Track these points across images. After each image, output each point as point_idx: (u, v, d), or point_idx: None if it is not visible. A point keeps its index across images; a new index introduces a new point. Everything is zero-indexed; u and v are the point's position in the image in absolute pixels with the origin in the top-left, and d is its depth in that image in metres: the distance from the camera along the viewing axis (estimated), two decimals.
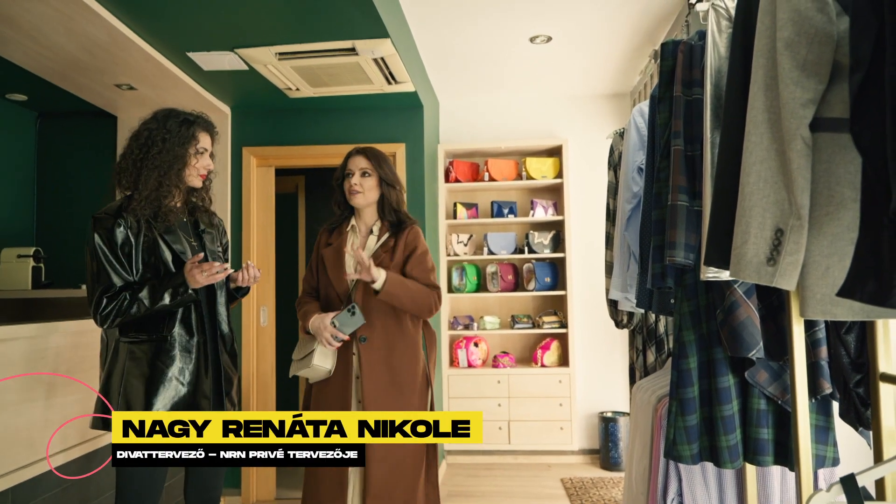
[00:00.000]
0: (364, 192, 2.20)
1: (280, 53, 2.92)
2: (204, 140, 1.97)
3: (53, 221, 4.11)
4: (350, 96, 3.57)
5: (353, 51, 2.90)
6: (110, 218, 1.82)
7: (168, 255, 1.87)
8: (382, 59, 3.01)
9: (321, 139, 3.82)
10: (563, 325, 4.41)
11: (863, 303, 1.01)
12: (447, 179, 4.54)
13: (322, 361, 2.09)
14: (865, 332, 1.36)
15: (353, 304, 2.06)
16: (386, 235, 2.22)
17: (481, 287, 4.60)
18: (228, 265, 1.91)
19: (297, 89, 3.42)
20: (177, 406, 1.83)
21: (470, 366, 4.39)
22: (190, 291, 1.82)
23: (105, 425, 1.79)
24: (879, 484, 1.27)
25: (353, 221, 2.27)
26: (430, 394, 2.19)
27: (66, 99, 3.43)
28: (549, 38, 3.57)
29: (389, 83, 3.35)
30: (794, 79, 1.14)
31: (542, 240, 4.46)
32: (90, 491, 2.26)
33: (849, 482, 1.13)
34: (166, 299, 1.80)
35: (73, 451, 2.16)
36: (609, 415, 4.25)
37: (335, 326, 2.04)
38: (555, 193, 4.67)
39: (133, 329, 1.84)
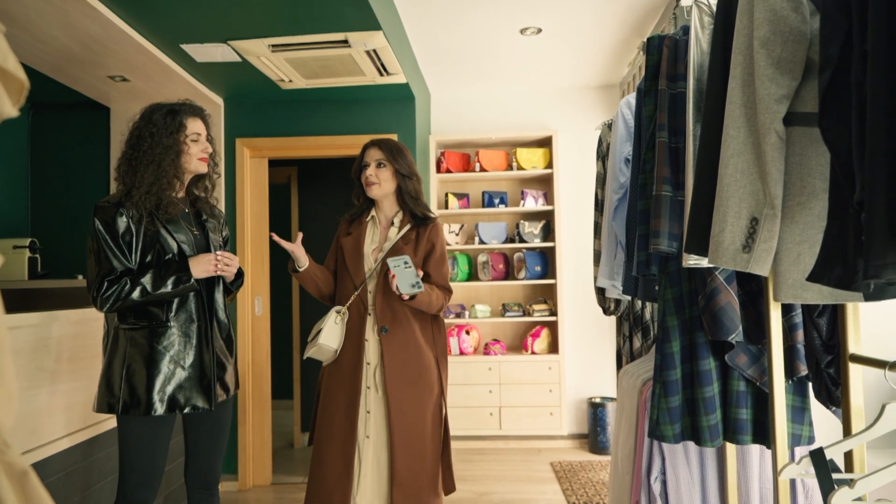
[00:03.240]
0: (380, 182, 2.25)
1: (273, 45, 2.96)
2: (193, 125, 1.98)
3: (48, 212, 4.13)
4: (342, 88, 3.61)
5: (345, 43, 2.93)
6: (112, 207, 1.86)
7: (171, 244, 1.92)
8: (374, 51, 3.04)
9: (314, 130, 3.85)
10: (553, 313, 4.49)
11: (830, 287, 1.08)
12: (439, 170, 4.59)
13: (328, 341, 2.16)
14: (836, 316, 1.43)
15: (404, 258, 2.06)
16: (407, 227, 2.27)
17: (472, 276, 4.67)
18: (237, 259, 1.99)
19: (290, 81, 3.45)
20: (178, 389, 1.88)
21: (461, 353, 4.46)
22: (192, 281, 1.88)
23: (110, 409, 1.85)
24: (848, 456, 1.35)
25: (372, 212, 2.32)
26: (441, 378, 2.27)
27: (60, 90, 3.44)
28: (540, 30, 3.61)
29: (381, 75, 3.39)
30: (770, 75, 1.21)
31: (532, 229, 4.52)
32: (93, 476, 2.32)
33: (817, 455, 1.21)
34: (168, 286, 1.84)
35: (77, 435, 2.22)
36: (598, 400, 4.35)
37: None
38: (545, 184, 4.74)
39: (133, 316, 1.88)
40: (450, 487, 2.27)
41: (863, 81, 0.94)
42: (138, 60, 2.99)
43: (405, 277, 2.04)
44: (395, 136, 3.81)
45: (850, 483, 1.07)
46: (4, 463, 0.49)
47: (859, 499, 1.08)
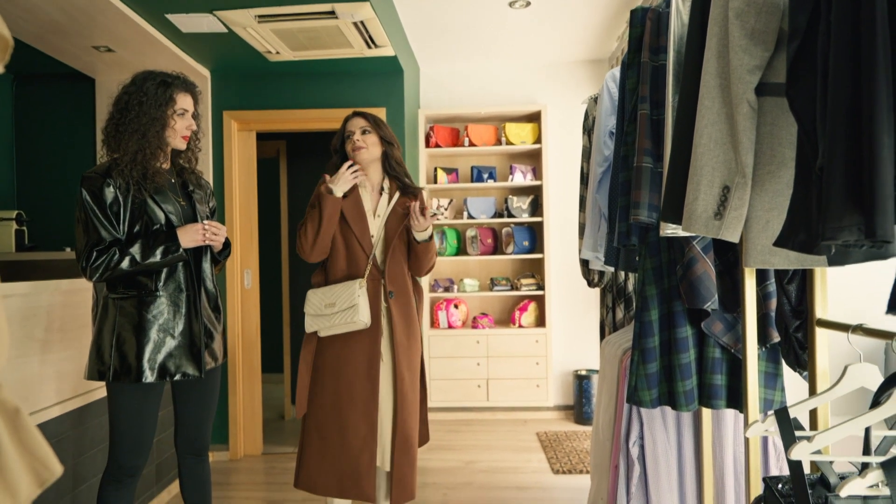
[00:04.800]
0: (367, 147, 2.30)
1: (259, 16, 2.93)
2: (183, 101, 1.98)
3: (34, 184, 4.10)
4: (330, 60, 3.59)
5: (332, 14, 2.92)
6: (99, 177, 1.87)
7: (159, 215, 1.93)
8: (362, 22, 3.03)
9: (302, 103, 3.84)
10: (541, 287, 4.55)
11: (795, 251, 1.12)
12: (428, 144, 4.59)
13: (365, 316, 2.18)
14: (805, 283, 1.48)
15: None
16: (398, 193, 2.36)
17: (461, 250, 4.71)
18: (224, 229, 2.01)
19: (278, 53, 3.43)
20: (168, 357, 1.92)
21: (450, 327, 4.52)
22: (181, 251, 1.90)
23: (101, 377, 1.88)
24: (813, 416, 1.41)
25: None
26: (421, 334, 2.43)
27: (44, 61, 3.40)
28: (528, 3, 3.60)
29: (369, 47, 3.37)
30: (743, 46, 1.23)
31: (520, 204, 4.55)
32: (85, 443, 2.36)
33: (781, 414, 1.27)
34: (157, 256, 1.87)
35: (68, 403, 2.25)
36: (583, 372, 4.43)
37: None
38: (533, 159, 4.76)
39: (122, 285, 1.91)
40: (424, 438, 2.43)
41: (828, 51, 0.97)
42: (123, 31, 2.96)
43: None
44: (383, 110, 3.81)
45: (809, 439, 1.12)
46: None
47: (819, 452, 1.14)
